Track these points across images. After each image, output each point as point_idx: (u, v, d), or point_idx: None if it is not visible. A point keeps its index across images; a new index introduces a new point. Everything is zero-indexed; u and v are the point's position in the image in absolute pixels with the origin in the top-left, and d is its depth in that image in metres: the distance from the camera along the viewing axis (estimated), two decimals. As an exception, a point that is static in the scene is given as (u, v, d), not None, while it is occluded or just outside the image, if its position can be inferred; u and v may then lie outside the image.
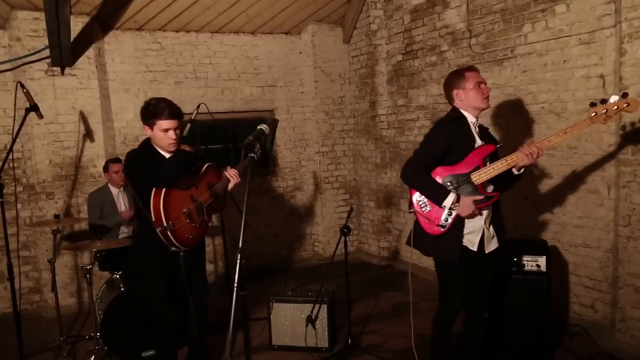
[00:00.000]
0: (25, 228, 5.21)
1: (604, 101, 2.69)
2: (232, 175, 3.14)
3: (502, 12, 4.53)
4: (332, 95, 6.66)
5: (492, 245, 2.94)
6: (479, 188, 2.77)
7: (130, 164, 2.99)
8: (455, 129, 2.89)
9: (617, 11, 3.62)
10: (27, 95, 3.41)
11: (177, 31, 5.85)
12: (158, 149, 3.01)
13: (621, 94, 2.70)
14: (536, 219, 4.37)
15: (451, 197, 2.74)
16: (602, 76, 3.81)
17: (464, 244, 2.86)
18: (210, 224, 3.24)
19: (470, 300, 3.03)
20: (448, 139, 2.82)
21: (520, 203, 4.45)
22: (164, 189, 2.84)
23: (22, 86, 3.42)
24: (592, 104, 2.71)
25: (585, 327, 3.98)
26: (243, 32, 6.22)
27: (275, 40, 6.43)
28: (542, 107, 4.26)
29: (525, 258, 3.55)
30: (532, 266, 3.54)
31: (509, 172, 2.80)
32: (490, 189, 2.86)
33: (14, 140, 3.26)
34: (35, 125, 5.03)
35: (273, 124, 6.99)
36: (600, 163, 3.88)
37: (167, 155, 3.00)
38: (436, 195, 2.79)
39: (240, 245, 2.10)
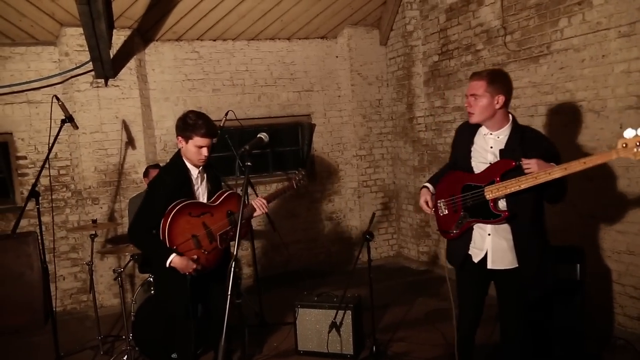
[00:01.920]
0: (74, 232, 5.52)
1: None
2: (259, 206, 3.14)
3: (537, 7, 4.32)
4: (370, 98, 6.60)
5: (501, 263, 2.70)
6: (491, 205, 2.62)
7: (155, 179, 3.09)
8: (460, 135, 2.89)
9: (658, 0, 3.36)
10: (63, 107, 3.61)
11: (214, 40, 6.01)
12: (187, 162, 3.07)
13: None
14: (575, 223, 4.12)
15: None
16: (644, 70, 3.54)
17: (471, 255, 2.79)
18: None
19: (501, 328, 2.87)
20: (454, 143, 2.88)
21: (560, 207, 4.19)
22: (172, 214, 2.90)
23: (58, 99, 3.63)
24: (630, 131, 2.20)
25: (630, 340, 3.70)
26: (279, 39, 6.29)
27: (311, 45, 6.46)
28: (581, 105, 4.01)
29: (559, 266, 3.36)
30: (566, 274, 3.35)
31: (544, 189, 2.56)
32: (502, 206, 2.66)
33: (50, 150, 3.49)
34: (82, 134, 5.32)
35: (310, 128, 7.10)
36: (644, 164, 3.61)
37: (195, 170, 3.06)
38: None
39: (235, 253, 2.12)
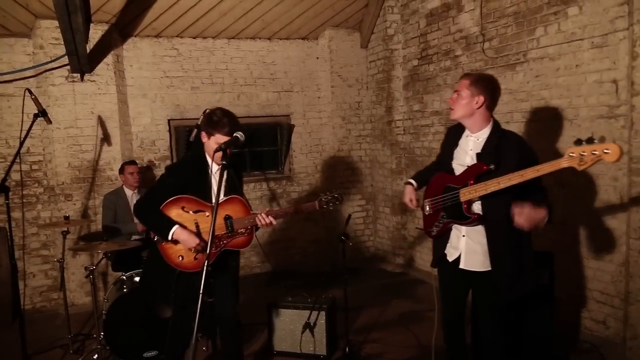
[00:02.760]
0: (46, 228, 5.41)
1: (590, 140, 2.22)
2: (263, 225, 2.95)
3: (514, 15, 4.40)
4: (349, 100, 6.63)
5: (473, 264, 2.75)
6: (464, 207, 2.67)
7: (175, 163, 3.04)
8: (448, 136, 2.96)
9: (630, 13, 3.45)
10: (36, 101, 3.53)
11: (194, 37, 5.96)
12: (208, 157, 3.02)
13: (599, 138, 2.24)
14: (547, 229, 4.17)
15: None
16: (615, 81, 3.64)
17: (445, 253, 2.87)
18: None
19: (479, 323, 2.93)
20: (442, 145, 2.99)
21: (532, 212, 4.29)
22: (162, 206, 2.90)
23: (30, 93, 3.54)
24: (578, 142, 2.25)
25: (595, 343, 3.80)
26: (260, 38, 6.27)
27: (292, 45, 6.46)
28: (555, 114, 4.10)
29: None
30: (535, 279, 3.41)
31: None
32: (476, 209, 2.70)
33: (21, 145, 3.39)
34: (56, 129, 5.22)
35: (289, 128, 7.09)
36: (613, 172, 3.70)
37: (215, 167, 2.97)
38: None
39: (208, 251, 2.11)
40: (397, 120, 6.20)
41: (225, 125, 2.84)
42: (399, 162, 6.23)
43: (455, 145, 2.84)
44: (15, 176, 5.05)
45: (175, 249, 2.96)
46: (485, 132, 2.72)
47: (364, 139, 6.75)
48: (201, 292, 2.05)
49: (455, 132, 2.90)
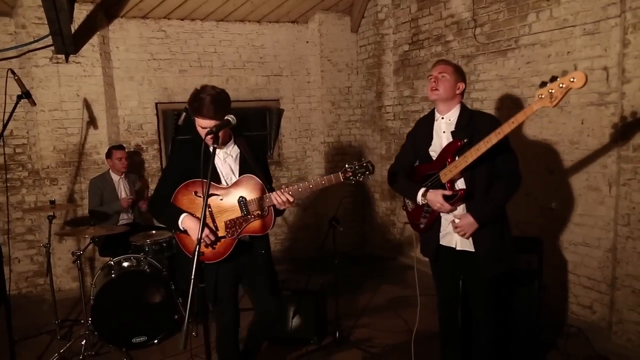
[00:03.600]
0: (31, 213, 5.32)
1: (554, 79, 2.33)
2: (280, 203, 2.66)
3: (506, 1, 4.37)
4: (339, 85, 6.58)
5: (466, 245, 2.80)
6: (447, 186, 2.71)
7: (173, 151, 2.84)
8: (418, 126, 2.97)
9: (622, 0, 3.44)
10: (19, 82, 3.44)
11: (182, 19, 5.85)
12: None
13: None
14: (537, 215, 4.24)
15: (421, 192, 2.77)
16: (605, 68, 3.64)
17: (442, 243, 2.87)
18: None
19: (472, 302, 2.96)
20: (411, 137, 2.98)
21: (521, 199, 4.30)
22: (176, 191, 2.74)
23: (14, 73, 3.45)
24: (543, 84, 2.36)
25: (582, 328, 3.85)
26: (249, 21, 6.17)
27: (282, 29, 6.37)
28: (545, 100, 4.10)
29: (517, 256, 3.44)
30: (524, 264, 3.43)
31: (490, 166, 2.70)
32: (458, 186, 2.75)
33: (4, 127, 3.29)
34: (40, 112, 5.11)
35: (278, 113, 7.01)
36: (602, 159, 3.73)
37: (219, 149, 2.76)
38: (410, 193, 2.86)
39: (199, 236, 2.08)
40: (387, 105, 6.18)
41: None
42: (389, 147, 6.22)
43: (431, 131, 2.86)
44: (-2, 159, 4.94)
45: (192, 239, 2.74)
46: (454, 113, 2.80)
47: (354, 124, 6.72)
48: (193, 277, 2.02)
49: (427, 121, 2.92)
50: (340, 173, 2.65)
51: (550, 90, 2.32)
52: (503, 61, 4.46)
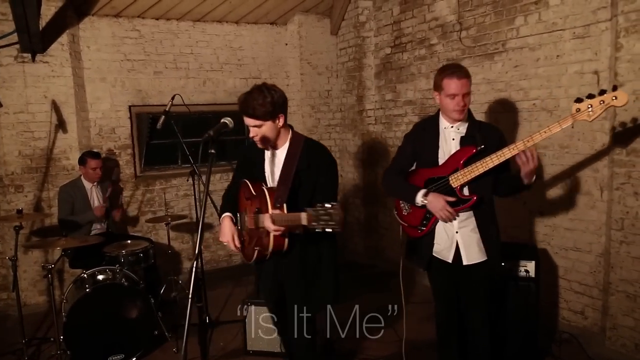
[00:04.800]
0: (-7, 222, 4.97)
1: (590, 96, 2.42)
2: (271, 228, 2.37)
3: (493, 3, 4.33)
4: (319, 88, 6.45)
5: (474, 257, 2.73)
6: (457, 191, 2.63)
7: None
8: (421, 131, 2.87)
9: (613, 4, 3.43)
10: (-16, 81, 3.16)
11: (157, 19, 5.61)
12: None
13: (611, 87, 2.44)
14: (526, 220, 4.20)
15: (421, 192, 2.67)
16: (596, 72, 3.63)
17: (435, 254, 2.79)
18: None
19: (467, 313, 2.88)
20: (412, 141, 2.87)
21: (510, 203, 4.25)
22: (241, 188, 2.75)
23: (-22, 72, 3.16)
24: (578, 100, 2.44)
25: (574, 334, 3.82)
26: (226, 22, 5.98)
27: (260, 30, 6.21)
28: (534, 104, 4.07)
29: (514, 263, 3.38)
30: (520, 271, 3.38)
31: (514, 178, 2.65)
32: (465, 192, 2.69)
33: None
34: (4, 114, 4.78)
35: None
36: (594, 163, 3.71)
37: (268, 152, 2.77)
38: (408, 194, 2.75)
39: (197, 250, 1.90)
40: (369, 109, 6.08)
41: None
42: (371, 152, 6.12)
43: (437, 137, 2.79)
44: (-42, 165, 4.60)
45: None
46: (464, 122, 2.74)
47: (334, 129, 6.60)
48: (191, 291, 1.84)
49: (431, 127, 2.83)
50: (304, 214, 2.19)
51: (589, 105, 2.40)
52: (490, 65, 4.42)
